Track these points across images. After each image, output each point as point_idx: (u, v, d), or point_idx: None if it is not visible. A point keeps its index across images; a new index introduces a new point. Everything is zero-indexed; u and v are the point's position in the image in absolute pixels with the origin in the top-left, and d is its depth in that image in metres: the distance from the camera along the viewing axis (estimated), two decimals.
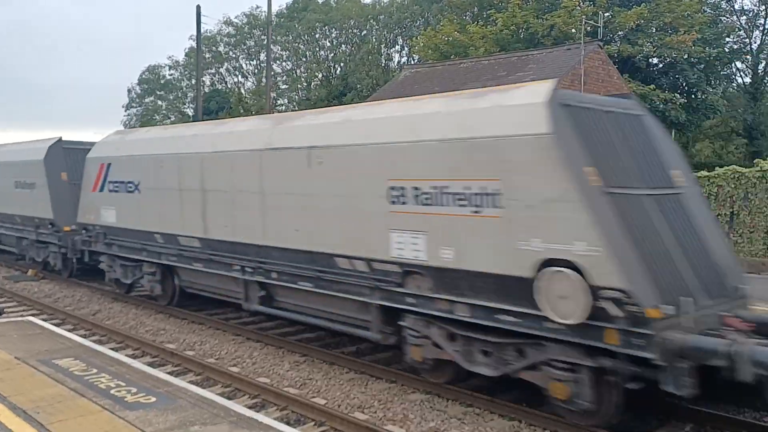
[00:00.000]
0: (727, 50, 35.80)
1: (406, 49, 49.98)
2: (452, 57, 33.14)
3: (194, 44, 37.50)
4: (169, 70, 61.94)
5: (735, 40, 38.35)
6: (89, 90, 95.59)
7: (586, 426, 6.80)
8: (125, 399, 6.81)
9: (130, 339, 11.16)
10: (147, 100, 63.52)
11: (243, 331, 11.37)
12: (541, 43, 30.63)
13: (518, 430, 7.08)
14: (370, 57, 48.27)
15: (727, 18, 38.24)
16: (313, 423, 7.40)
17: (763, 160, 19.85)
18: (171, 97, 62.08)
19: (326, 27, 52.11)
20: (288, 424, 7.06)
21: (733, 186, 18.48)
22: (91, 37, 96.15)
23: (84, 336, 11.12)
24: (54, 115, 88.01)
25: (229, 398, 7.81)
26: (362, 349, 10.16)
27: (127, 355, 9.57)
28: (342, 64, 51.37)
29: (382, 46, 50.87)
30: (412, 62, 42.24)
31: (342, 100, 43.25)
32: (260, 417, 6.55)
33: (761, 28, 38.73)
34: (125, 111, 64.55)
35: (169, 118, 59.76)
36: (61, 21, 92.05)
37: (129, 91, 64.03)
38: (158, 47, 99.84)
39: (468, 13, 39.19)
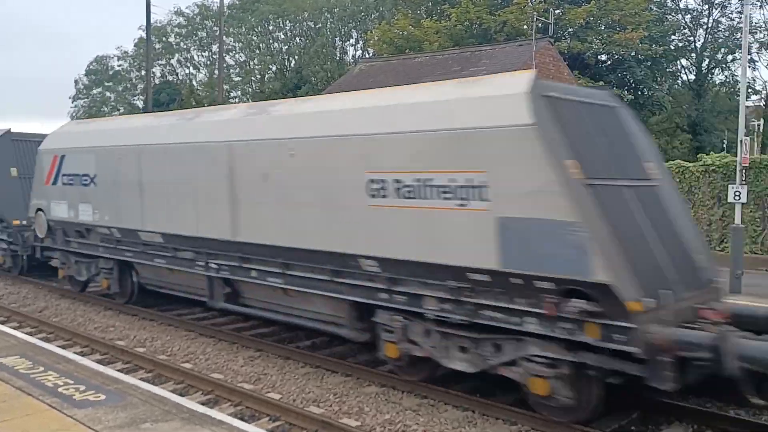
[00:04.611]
0: (672, 48, 36.92)
1: (360, 42, 49.89)
2: (407, 51, 33.26)
3: (144, 34, 36.67)
4: (118, 60, 60.47)
5: (680, 38, 39.55)
6: (32, 81, 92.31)
7: (546, 417, 6.93)
8: (73, 397, 6.67)
9: (79, 336, 10.90)
10: (95, 91, 61.83)
11: (196, 327, 11.23)
12: (494, 39, 31.00)
13: (472, 420, 7.19)
14: (324, 50, 48.05)
15: (673, 16, 39.37)
16: (267, 418, 7.37)
17: (707, 155, 20.57)
18: (120, 89, 60.57)
19: (280, 19, 51.59)
20: (242, 419, 7.00)
21: (678, 180, 19.08)
22: (33, 26, 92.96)
23: (30, 333, 10.84)
24: None
25: (181, 395, 7.71)
26: (318, 344, 10.16)
27: (75, 353, 9.36)
28: (296, 57, 50.95)
29: (337, 39, 50.66)
30: (367, 56, 42.22)
31: (297, 92, 42.94)
32: (213, 413, 6.50)
33: (705, 27, 40.01)
34: (72, 102, 62.77)
35: (118, 109, 58.33)
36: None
37: (76, 82, 62.25)
38: (106, 38, 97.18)
39: (422, 7, 39.34)
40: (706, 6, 39.19)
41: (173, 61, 57.96)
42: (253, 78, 54.14)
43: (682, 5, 40.15)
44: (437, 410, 7.47)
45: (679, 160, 21.31)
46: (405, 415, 7.28)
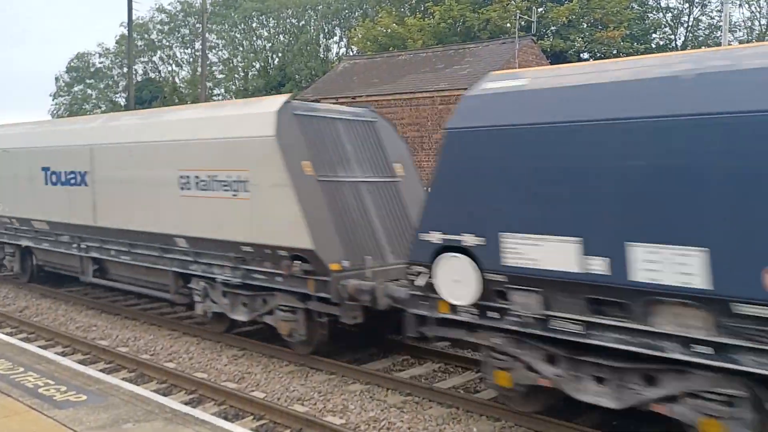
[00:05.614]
0: (653, 46, 37.22)
1: (344, 40, 49.76)
2: (390, 49, 33.26)
3: (125, 31, 36.26)
4: (99, 57, 59.77)
5: (661, 36, 39.88)
6: (9, 78, 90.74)
7: (525, 411, 6.99)
8: (54, 398, 6.60)
9: (60, 336, 10.79)
10: (76, 88, 61.04)
11: (179, 326, 11.16)
12: (477, 37, 31.10)
13: (456, 417, 7.22)
14: (308, 47, 47.82)
15: (654, 15, 39.71)
16: (251, 417, 7.34)
17: None
18: (101, 86, 59.87)
19: (263, 16, 51.26)
20: (226, 418, 6.98)
21: None
22: (11, 22, 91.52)
23: (10, 334, 10.72)
24: None
25: (164, 395, 7.67)
26: None
27: (56, 353, 9.27)
28: (280, 55, 50.68)
29: (321, 36, 50.47)
30: (351, 53, 42.14)
31: (280, 90, 42.74)
32: (197, 412, 6.46)
33: (685, 25, 40.38)
34: (53, 100, 61.92)
35: (100, 107, 57.69)
36: None
37: (57, 79, 61.39)
38: (87, 34, 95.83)
39: (406, 5, 39.34)
40: (687, 5, 39.58)
41: (155, 59, 57.42)
42: (236, 75, 53.76)
43: (663, 4, 40.52)
44: (422, 407, 7.49)
45: None
46: (389, 413, 7.29)
